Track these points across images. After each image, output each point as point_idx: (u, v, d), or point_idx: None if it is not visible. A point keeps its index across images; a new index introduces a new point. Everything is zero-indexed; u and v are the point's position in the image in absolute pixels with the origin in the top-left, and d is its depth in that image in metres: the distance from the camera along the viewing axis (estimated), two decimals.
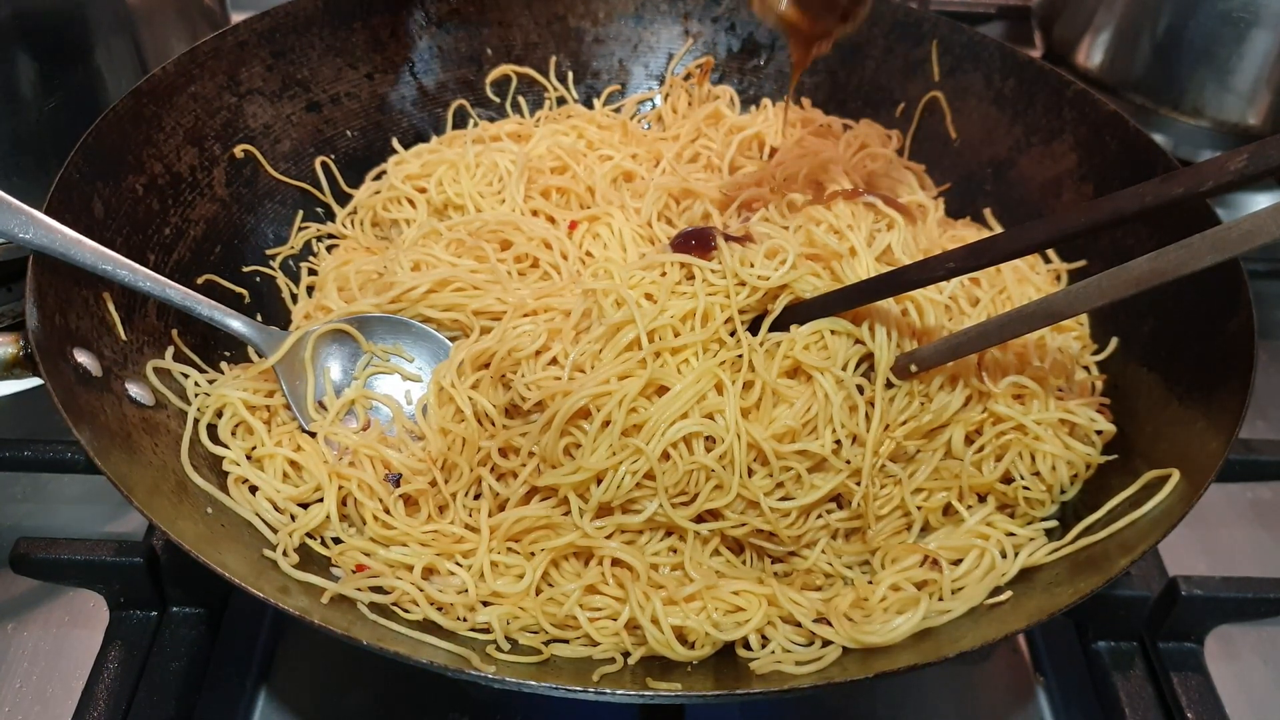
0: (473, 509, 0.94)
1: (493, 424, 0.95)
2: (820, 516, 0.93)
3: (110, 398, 0.89)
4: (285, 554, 0.87)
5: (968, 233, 1.18)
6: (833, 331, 0.93)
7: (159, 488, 0.84)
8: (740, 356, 0.92)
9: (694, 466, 0.89)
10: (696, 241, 0.96)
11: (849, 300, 0.92)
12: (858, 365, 0.94)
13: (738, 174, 1.20)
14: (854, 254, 0.95)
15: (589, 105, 1.36)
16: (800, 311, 0.94)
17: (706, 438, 0.89)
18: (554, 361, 0.94)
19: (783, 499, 0.91)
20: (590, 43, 1.37)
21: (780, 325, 0.95)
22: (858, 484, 0.91)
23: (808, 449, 0.90)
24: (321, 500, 0.93)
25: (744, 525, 0.90)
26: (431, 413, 0.99)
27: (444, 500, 0.95)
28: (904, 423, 0.93)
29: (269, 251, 1.16)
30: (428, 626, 0.85)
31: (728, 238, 0.97)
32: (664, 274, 0.96)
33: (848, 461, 0.91)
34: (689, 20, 1.38)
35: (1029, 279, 1.08)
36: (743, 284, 0.94)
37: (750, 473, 0.90)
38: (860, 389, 0.93)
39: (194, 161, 1.10)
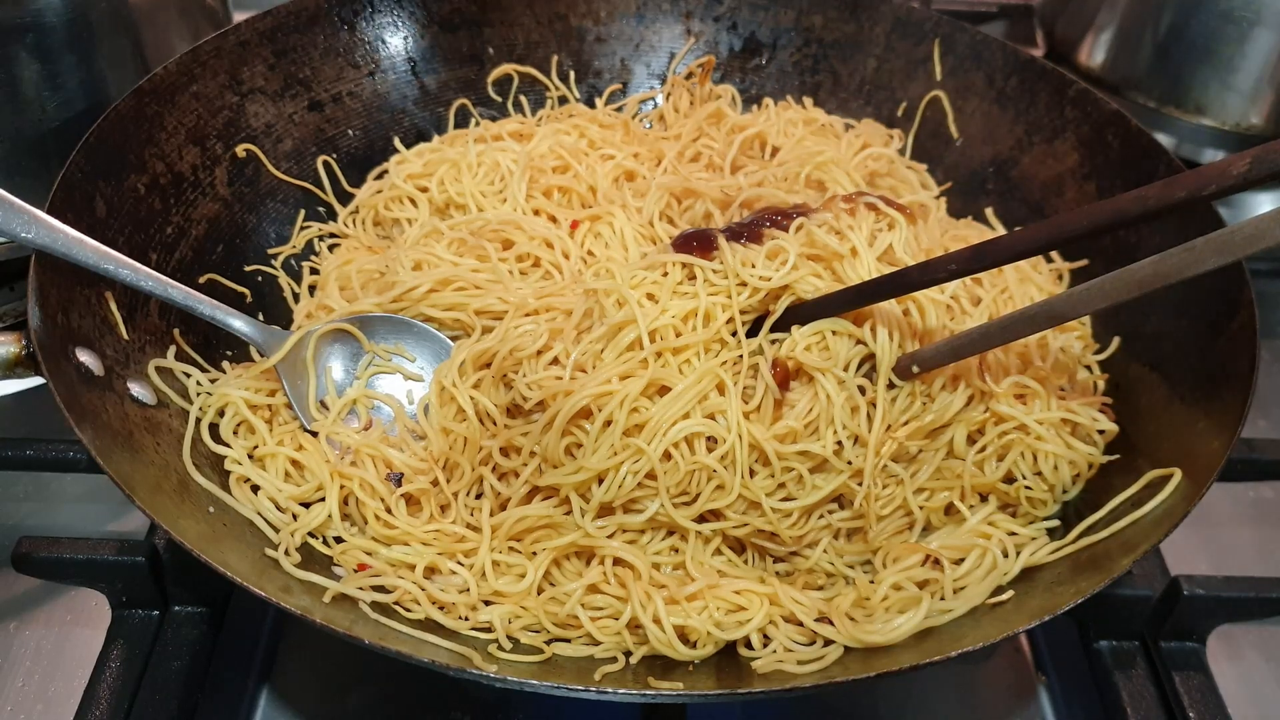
0: (474, 508, 0.94)
1: (494, 424, 0.96)
2: (822, 517, 0.93)
3: (112, 397, 0.89)
4: (287, 553, 0.87)
5: (969, 232, 1.18)
6: (834, 332, 0.93)
7: (161, 487, 0.84)
8: (741, 358, 0.93)
9: (695, 467, 0.89)
10: (698, 243, 0.96)
11: (850, 301, 0.92)
12: (859, 366, 0.94)
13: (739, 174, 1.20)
14: (855, 254, 0.95)
15: (591, 104, 1.36)
16: (802, 312, 0.94)
17: (708, 438, 0.89)
18: (555, 361, 0.94)
19: (784, 499, 0.91)
20: (592, 42, 1.37)
21: (782, 326, 0.95)
22: (859, 485, 0.91)
23: (809, 450, 0.90)
24: (323, 499, 0.93)
25: (745, 526, 0.90)
26: (433, 412, 0.99)
27: (446, 500, 0.95)
28: (906, 423, 0.93)
29: (271, 251, 1.16)
30: (429, 625, 0.85)
31: (730, 236, 0.96)
32: (665, 274, 0.96)
33: (849, 462, 0.91)
34: (690, 19, 1.37)
35: (1031, 278, 1.08)
36: (744, 285, 0.94)
37: (752, 473, 0.90)
38: (862, 390, 0.93)
39: (196, 161, 1.10)
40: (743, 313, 0.95)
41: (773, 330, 0.95)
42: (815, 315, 0.94)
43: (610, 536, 0.90)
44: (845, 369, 0.93)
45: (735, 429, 0.89)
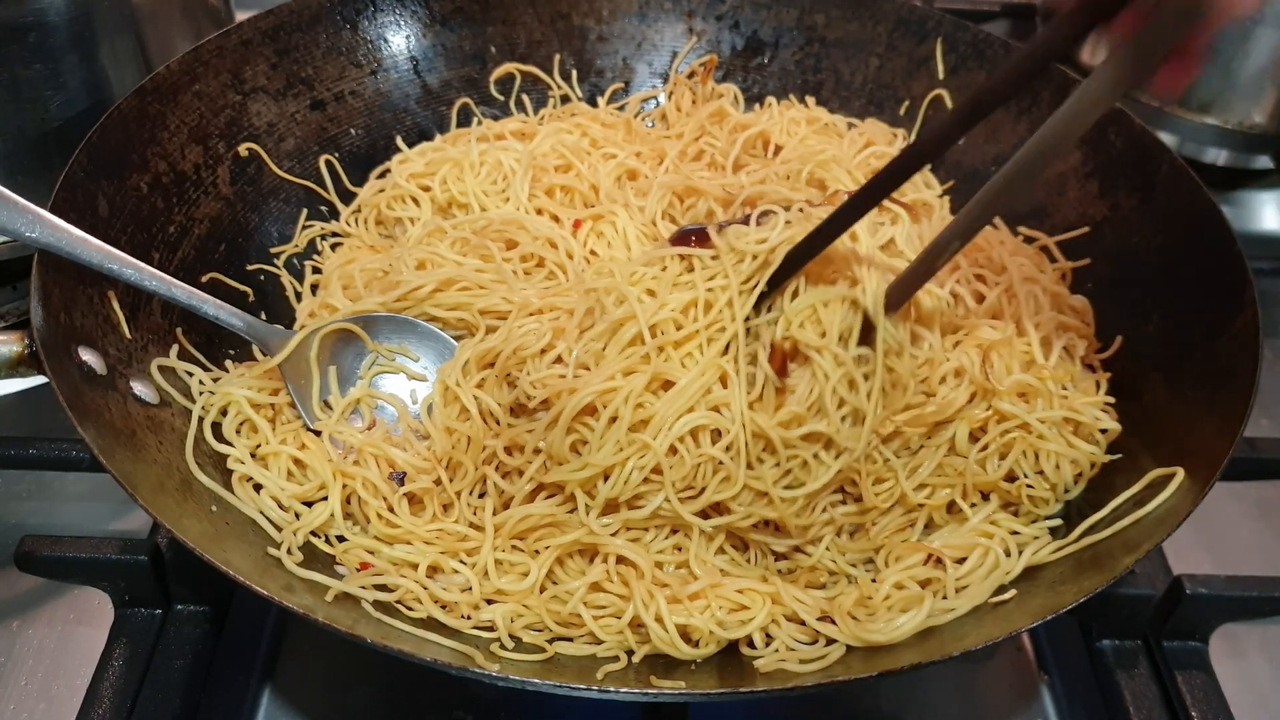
0: (477, 507, 0.94)
1: (498, 423, 0.96)
2: (825, 510, 0.93)
3: (115, 396, 0.89)
4: (290, 552, 0.87)
5: None
6: (824, 304, 0.91)
7: (164, 486, 0.84)
8: (740, 335, 0.91)
9: (701, 460, 0.88)
10: (696, 237, 0.96)
11: (834, 229, 0.88)
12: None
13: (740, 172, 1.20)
14: (855, 239, 0.94)
15: (593, 103, 1.36)
16: (795, 258, 0.91)
17: (713, 430, 0.89)
18: (559, 360, 0.94)
19: (789, 487, 0.90)
20: (594, 41, 1.37)
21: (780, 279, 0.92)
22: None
23: (815, 430, 0.89)
24: (326, 498, 0.93)
25: (750, 517, 0.90)
26: (437, 411, 0.99)
27: (449, 499, 0.95)
28: (907, 408, 0.93)
29: (273, 250, 1.16)
30: (432, 624, 0.85)
31: (722, 226, 0.96)
32: (664, 268, 0.95)
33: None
34: (693, 18, 1.37)
35: (1036, 278, 1.08)
36: (741, 259, 0.92)
37: (760, 461, 0.89)
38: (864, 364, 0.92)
39: (198, 160, 1.11)
40: (744, 283, 0.93)
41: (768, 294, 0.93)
42: (808, 255, 0.90)
43: (614, 534, 0.90)
44: (842, 342, 0.91)
45: (740, 419, 0.88)
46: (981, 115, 0.78)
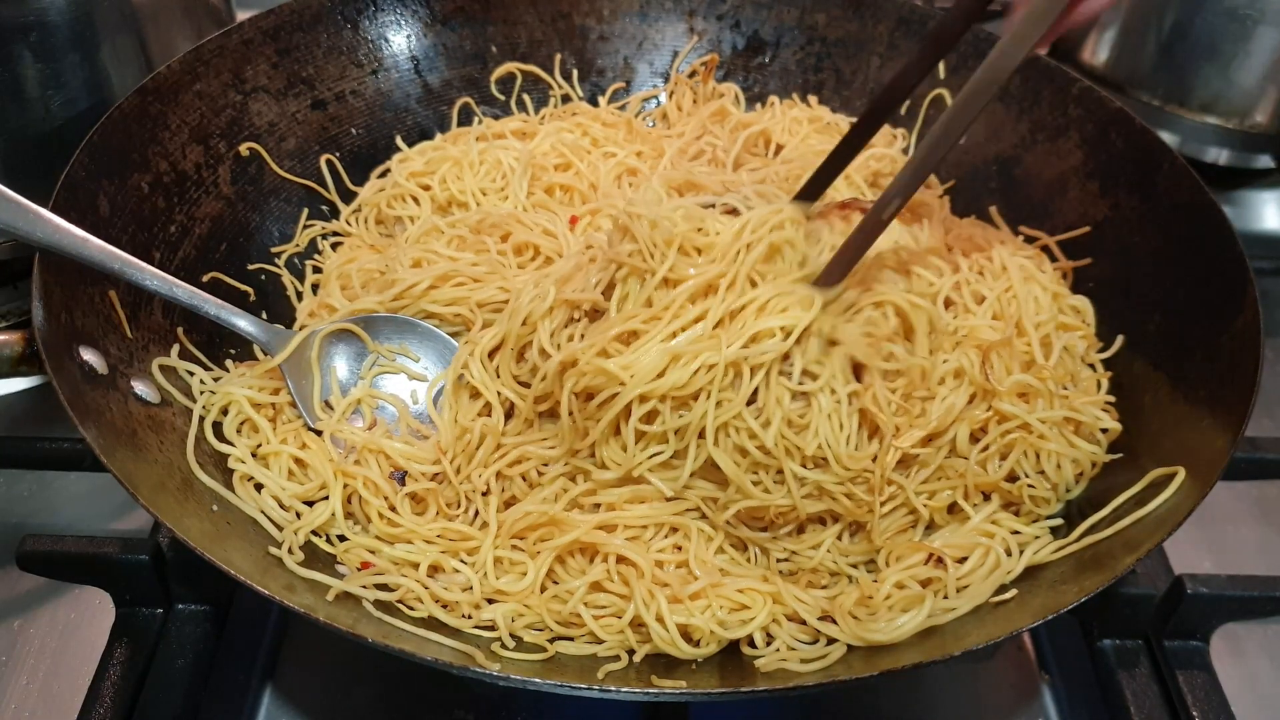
0: (479, 505, 0.94)
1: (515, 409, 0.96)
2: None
3: (116, 395, 0.89)
4: (291, 551, 0.87)
5: (974, 230, 1.17)
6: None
7: (164, 485, 0.84)
8: None
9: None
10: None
11: None
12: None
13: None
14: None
15: (594, 103, 1.36)
16: None
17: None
18: (570, 320, 0.94)
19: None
20: (595, 40, 1.37)
21: None
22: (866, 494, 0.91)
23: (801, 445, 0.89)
24: (327, 498, 0.93)
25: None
26: (447, 409, 0.99)
27: (452, 497, 0.94)
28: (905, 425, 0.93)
29: (274, 249, 1.16)
30: (432, 624, 0.85)
31: None
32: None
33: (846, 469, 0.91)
34: (694, 18, 1.37)
35: (1036, 278, 1.07)
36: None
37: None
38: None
39: (199, 159, 1.11)
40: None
41: None
42: None
43: (613, 532, 0.90)
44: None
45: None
46: None
